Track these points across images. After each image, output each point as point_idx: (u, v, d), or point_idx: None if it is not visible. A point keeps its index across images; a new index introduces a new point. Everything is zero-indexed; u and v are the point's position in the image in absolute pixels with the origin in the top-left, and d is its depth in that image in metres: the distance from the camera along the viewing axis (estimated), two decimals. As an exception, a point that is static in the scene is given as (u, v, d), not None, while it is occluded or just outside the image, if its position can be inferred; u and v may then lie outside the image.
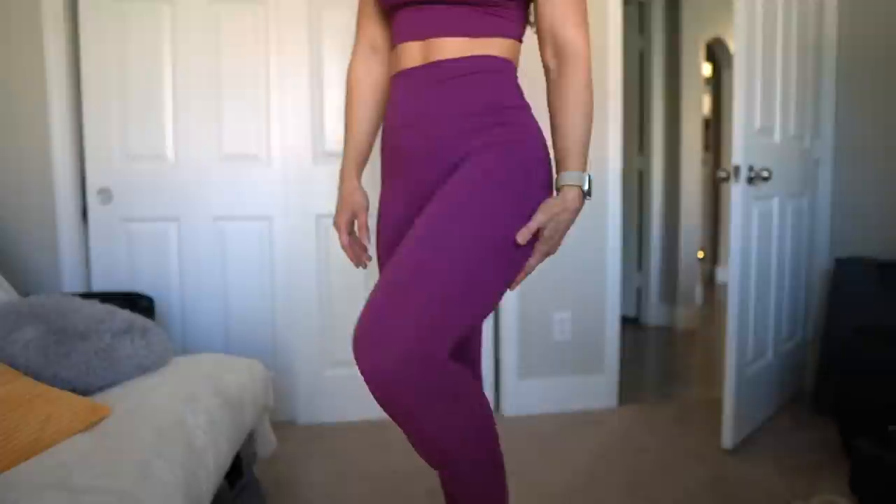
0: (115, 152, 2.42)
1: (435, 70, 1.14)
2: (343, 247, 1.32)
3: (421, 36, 1.15)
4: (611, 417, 2.61)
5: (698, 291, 4.41)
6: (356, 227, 1.34)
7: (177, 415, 1.38)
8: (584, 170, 1.09)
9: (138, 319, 1.70)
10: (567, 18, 1.11)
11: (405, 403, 0.98)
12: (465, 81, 1.13)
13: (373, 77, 1.33)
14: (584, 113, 1.10)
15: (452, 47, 1.13)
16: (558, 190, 1.10)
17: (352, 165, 1.34)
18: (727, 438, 2.23)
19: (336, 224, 1.33)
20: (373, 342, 0.97)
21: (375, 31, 1.32)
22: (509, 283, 1.10)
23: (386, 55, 1.32)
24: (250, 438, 1.85)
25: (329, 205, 2.49)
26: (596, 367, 2.71)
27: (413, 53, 1.17)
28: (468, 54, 1.13)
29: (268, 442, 1.92)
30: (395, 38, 1.21)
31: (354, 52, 1.35)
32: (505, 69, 1.16)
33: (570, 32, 1.11)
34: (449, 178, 1.12)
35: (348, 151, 1.35)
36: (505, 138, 1.12)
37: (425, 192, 1.15)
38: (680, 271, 4.03)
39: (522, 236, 1.06)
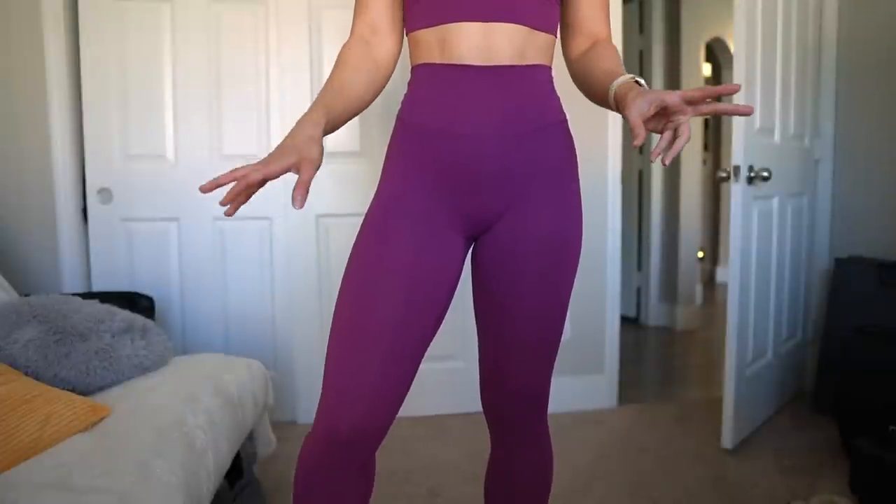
0: (115, 152, 2.42)
1: (501, 78, 1.01)
2: (237, 177, 0.82)
3: (482, 15, 1.00)
4: (611, 417, 2.61)
5: (698, 291, 4.41)
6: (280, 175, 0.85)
7: (177, 415, 1.38)
8: None
9: (138, 319, 1.70)
10: (602, 16, 1.14)
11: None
12: (531, 94, 1.05)
13: (367, 65, 1.08)
14: (620, 66, 1.11)
15: (514, 43, 1.02)
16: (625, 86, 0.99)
17: (319, 107, 0.95)
18: (727, 438, 2.23)
19: (264, 160, 0.84)
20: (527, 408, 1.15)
21: (381, 9, 1.09)
22: None
23: (388, 41, 1.11)
24: (250, 438, 1.85)
25: (329, 205, 2.50)
26: (596, 367, 2.71)
27: (471, 41, 1.01)
28: (528, 61, 1.04)
29: (268, 441, 1.92)
30: (436, 13, 1.02)
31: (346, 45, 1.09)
32: (550, 76, 1.12)
33: (604, 30, 1.14)
34: (520, 213, 1.06)
35: (321, 95, 0.98)
36: (569, 165, 1.10)
37: (483, 216, 1.06)
38: (680, 271, 4.03)
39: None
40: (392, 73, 1.13)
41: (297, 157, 0.85)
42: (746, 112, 0.86)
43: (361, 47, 1.08)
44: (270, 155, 0.85)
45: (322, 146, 0.89)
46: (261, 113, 2.49)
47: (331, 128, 0.98)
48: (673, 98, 0.85)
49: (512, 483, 1.19)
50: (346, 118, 1.03)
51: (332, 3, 2.44)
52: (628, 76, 0.96)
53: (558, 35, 1.14)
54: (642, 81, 0.96)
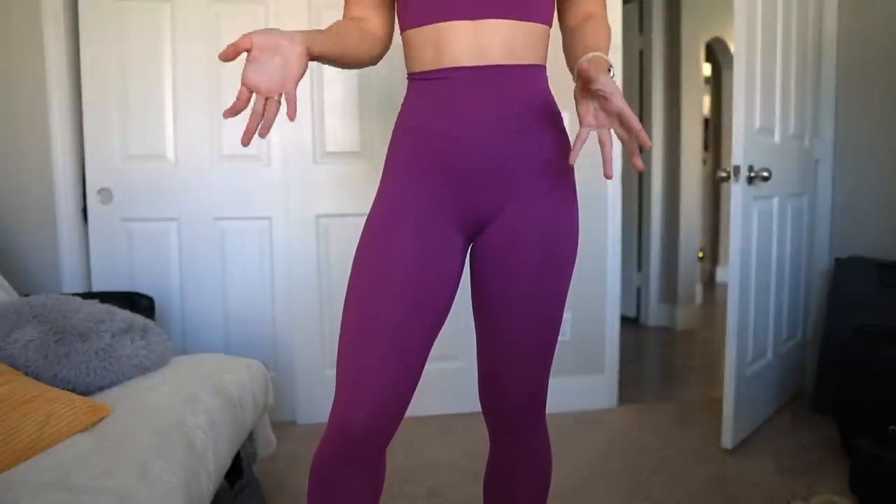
0: (115, 152, 2.41)
1: (495, 80, 1.03)
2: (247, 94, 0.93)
3: (471, 12, 1.01)
4: (611, 417, 2.61)
5: (698, 291, 4.41)
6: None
7: (177, 415, 1.38)
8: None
9: (138, 319, 1.70)
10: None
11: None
12: (524, 94, 1.06)
13: (358, 28, 1.11)
14: (608, 38, 1.10)
15: (505, 38, 1.02)
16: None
17: (305, 34, 0.96)
18: (727, 438, 2.23)
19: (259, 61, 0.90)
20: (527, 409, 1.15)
21: (366, 14, 1.14)
22: None
23: (378, 43, 1.15)
24: (250, 438, 1.85)
25: (329, 205, 2.50)
26: (596, 367, 2.71)
27: (463, 41, 1.02)
28: (520, 57, 1.04)
29: (268, 442, 1.92)
30: (427, 13, 1.04)
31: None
32: (544, 74, 1.11)
33: (596, 9, 1.14)
34: (516, 218, 1.06)
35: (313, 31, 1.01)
36: (564, 163, 1.10)
37: (479, 215, 1.07)
38: (680, 271, 4.03)
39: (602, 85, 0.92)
40: (386, 47, 1.17)
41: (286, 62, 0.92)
42: (638, 167, 0.94)
43: (353, 21, 1.13)
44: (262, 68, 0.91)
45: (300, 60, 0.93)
46: (261, 113, 2.48)
47: (317, 51, 0.98)
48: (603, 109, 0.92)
49: (511, 483, 1.19)
50: (336, 51, 1.04)
51: (332, 2, 2.44)
52: (589, 55, 0.97)
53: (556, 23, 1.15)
54: (596, 56, 0.96)
